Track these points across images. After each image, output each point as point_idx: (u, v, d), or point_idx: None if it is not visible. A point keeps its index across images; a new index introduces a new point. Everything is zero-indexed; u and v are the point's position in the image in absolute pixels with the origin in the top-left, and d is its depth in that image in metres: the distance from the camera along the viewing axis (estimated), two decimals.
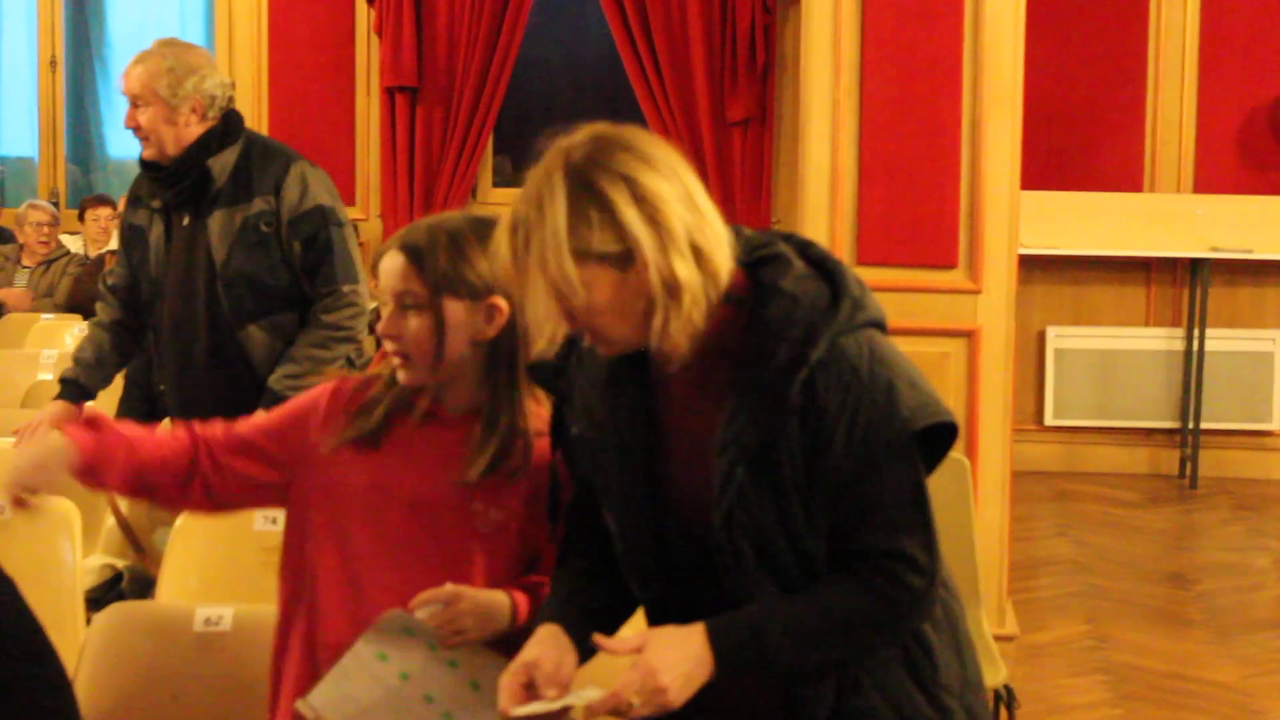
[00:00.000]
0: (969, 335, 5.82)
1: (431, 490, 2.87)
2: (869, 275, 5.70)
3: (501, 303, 2.84)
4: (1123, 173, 9.38)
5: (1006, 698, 4.12)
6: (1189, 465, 9.07)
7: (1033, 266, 9.01)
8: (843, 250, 5.84)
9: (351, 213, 9.71)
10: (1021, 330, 8.76)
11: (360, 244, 9.51)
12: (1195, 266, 9.11)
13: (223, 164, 4.75)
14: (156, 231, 4.85)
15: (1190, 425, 9.13)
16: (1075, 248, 9.16)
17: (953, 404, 5.79)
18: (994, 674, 4.06)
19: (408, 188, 9.70)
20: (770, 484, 2.41)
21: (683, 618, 2.47)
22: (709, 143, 9.38)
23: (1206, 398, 9.10)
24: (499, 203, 9.69)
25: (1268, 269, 9.23)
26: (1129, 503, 8.55)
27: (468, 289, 2.84)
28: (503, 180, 10.21)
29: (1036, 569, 7.13)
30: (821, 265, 2.47)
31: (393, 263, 2.85)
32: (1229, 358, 9.21)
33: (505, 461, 2.85)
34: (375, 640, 2.66)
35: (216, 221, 4.74)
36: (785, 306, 2.40)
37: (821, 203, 5.89)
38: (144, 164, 4.81)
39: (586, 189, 2.35)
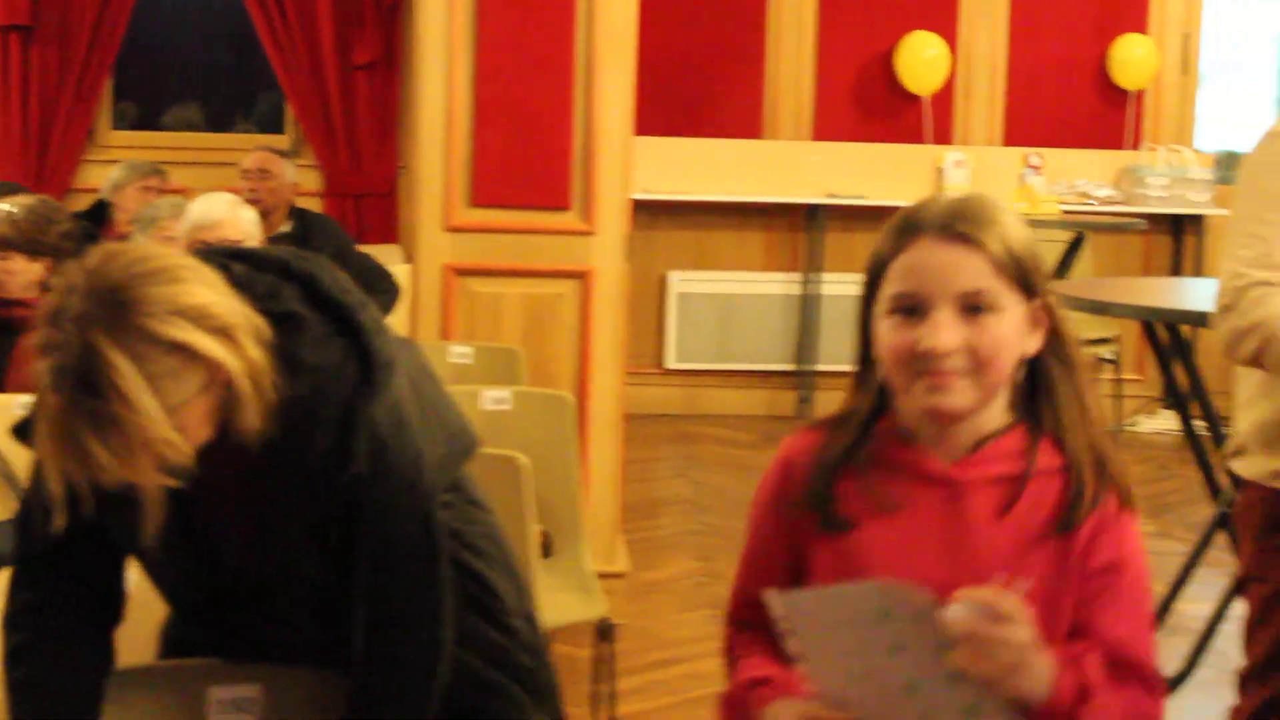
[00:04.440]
0: (582, 277, 5.88)
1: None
2: (483, 217, 5.83)
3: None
4: (743, 120, 9.58)
5: (605, 631, 4.19)
6: (806, 406, 9.32)
7: (655, 212, 9.15)
8: (457, 192, 5.84)
9: None
10: (643, 275, 8.91)
11: None
12: (812, 212, 9.36)
13: None
14: None
15: (807, 367, 9.38)
16: (697, 193, 9.32)
17: (565, 345, 5.87)
18: (592, 608, 4.13)
19: (21, 129, 9.36)
20: (323, 548, 2.46)
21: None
22: (334, 87, 9.27)
23: (823, 340, 9.37)
24: (118, 145, 9.44)
25: (881, 214, 9.41)
26: (746, 444, 8.73)
27: None
28: (126, 124, 9.94)
29: (654, 509, 7.24)
30: (337, 313, 2.40)
31: None
32: (845, 301, 9.46)
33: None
34: (886, 595, 2.05)
35: None
36: (313, 382, 2.33)
37: (436, 144, 5.88)
38: None
39: (147, 342, 2.17)
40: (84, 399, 2.14)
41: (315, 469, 2.35)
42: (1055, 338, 2.21)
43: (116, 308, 2.16)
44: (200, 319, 2.20)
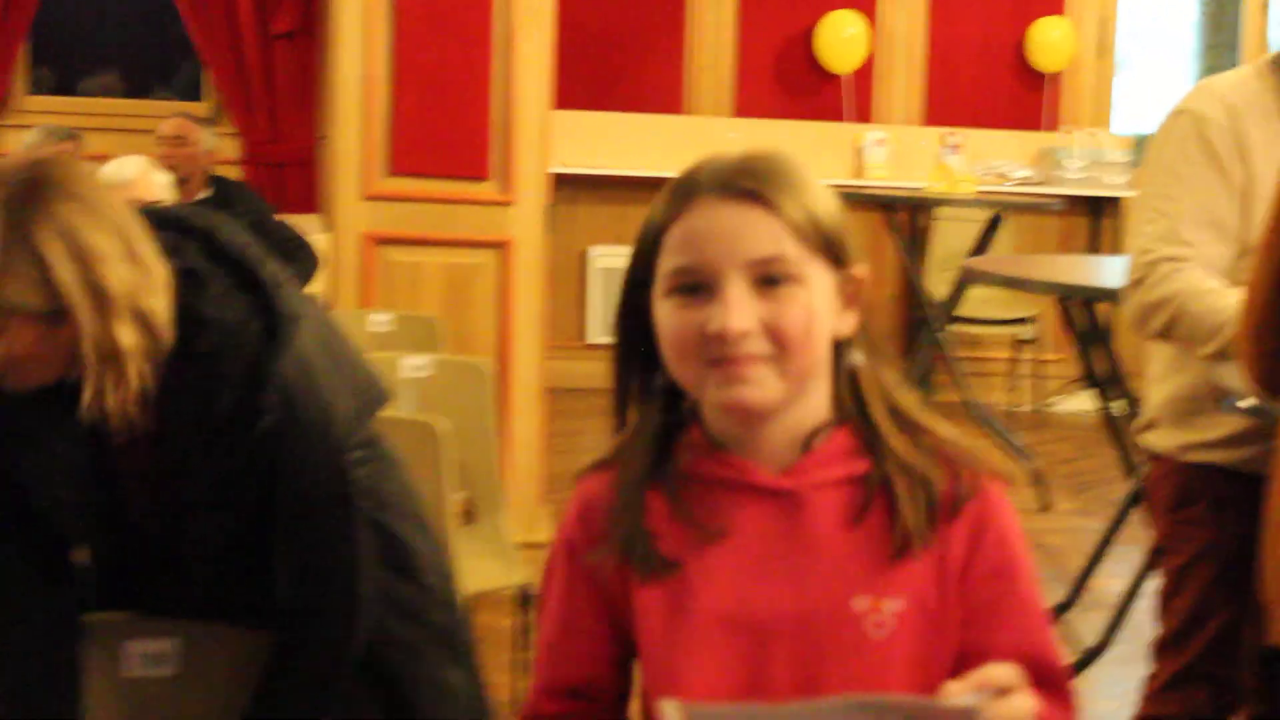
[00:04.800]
0: (501, 247, 5.87)
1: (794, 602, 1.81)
2: (402, 186, 5.80)
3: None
4: (663, 95, 9.59)
5: (526, 600, 4.19)
6: None
7: (576, 186, 9.14)
8: (375, 161, 5.82)
9: None
10: (564, 250, 8.92)
11: None
12: None
13: None
14: None
15: None
16: (617, 168, 9.33)
17: (485, 315, 5.86)
18: (512, 575, 4.14)
19: None
20: (234, 515, 2.45)
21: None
22: (253, 56, 9.21)
23: None
24: (35, 110, 9.35)
25: None
26: None
27: None
28: (43, 89, 9.85)
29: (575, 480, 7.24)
30: (238, 268, 2.37)
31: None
32: None
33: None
34: (862, 710, 1.54)
35: None
36: (215, 338, 2.31)
37: (354, 113, 5.85)
38: None
39: (21, 239, 2.16)
40: None
41: (224, 425, 2.34)
42: (867, 321, 1.83)
43: (20, 196, 2.18)
44: (79, 259, 2.18)
